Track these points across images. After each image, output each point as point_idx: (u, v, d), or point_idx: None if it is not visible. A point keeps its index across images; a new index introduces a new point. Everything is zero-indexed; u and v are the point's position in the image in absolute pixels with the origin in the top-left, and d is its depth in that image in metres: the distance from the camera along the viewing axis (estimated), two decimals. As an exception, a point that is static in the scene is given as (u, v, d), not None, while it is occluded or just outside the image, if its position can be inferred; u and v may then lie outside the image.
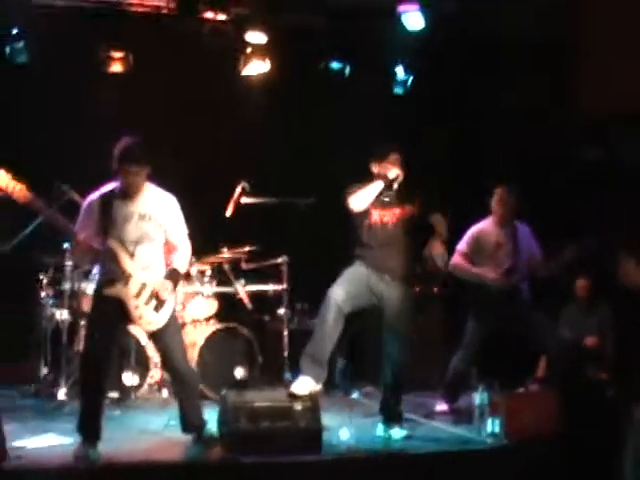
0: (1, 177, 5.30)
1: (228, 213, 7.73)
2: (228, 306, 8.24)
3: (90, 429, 5.50)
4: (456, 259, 7.09)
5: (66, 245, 7.52)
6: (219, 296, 8.14)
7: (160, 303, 5.69)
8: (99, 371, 5.62)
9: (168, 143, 8.19)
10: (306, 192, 7.81)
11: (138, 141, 5.65)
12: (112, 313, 5.62)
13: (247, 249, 8.05)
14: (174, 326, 5.85)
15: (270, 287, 8.26)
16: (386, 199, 6.33)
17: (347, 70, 9.17)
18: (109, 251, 5.58)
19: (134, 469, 5.26)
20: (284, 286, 8.01)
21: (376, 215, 6.30)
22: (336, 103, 9.01)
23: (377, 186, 6.25)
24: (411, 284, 6.53)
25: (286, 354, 7.82)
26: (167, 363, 5.91)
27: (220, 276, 8.11)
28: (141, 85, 8.62)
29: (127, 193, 5.67)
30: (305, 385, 5.94)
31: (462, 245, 7.11)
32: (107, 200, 5.64)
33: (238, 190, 7.73)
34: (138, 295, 5.63)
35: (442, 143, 9.39)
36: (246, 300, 8.04)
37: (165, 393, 7.64)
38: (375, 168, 6.40)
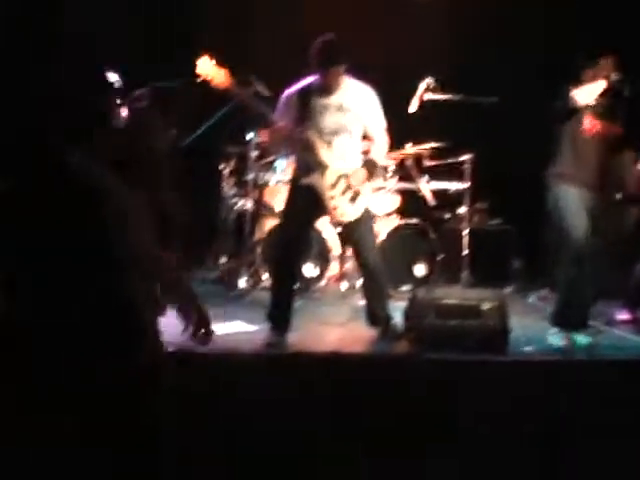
0: (204, 63, 5.37)
1: (412, 109, 7.63)
2: (410, 202, 8.19)
3: (281, 317, 5.60)
4: None
5: (250, 136, 7.60)
6: (401, 192, 8.09)
7: (355, 194, 5.68)
8: (292, 260, 5.71)
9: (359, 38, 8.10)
10: (491, 91, 7.64)
11: (335, 40, 5.58)
12: (307, 203, 5.66)
13: (431, 146, 7.96)
14: (368, 219, 5.85)
15: (452, 185, 8.17)
16: (599, 109, 5.95)
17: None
18: (306, 141, 5.59)
19: (322, 359, 5.32)
20: (466, 184, 7.92)
21: (588, 123, 5.93)
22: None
23: (600, 85, 5.81)
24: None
25: (465, 253, 7.77)
26: (358, 255, 5.92)
27: (403, 172, 8.06)
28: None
29: (325, 88, 5.64)
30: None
31: None
32: (305, 93, 5.65)
33: (423, 86, 7.61)
34: (334, 186, 5.63)
35: None
36: (429, 197, 7.97)
37: (344, 286, 7.70)
38: (588, 73, 5.96)
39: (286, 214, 5.88)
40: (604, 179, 6.00)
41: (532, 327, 6.35)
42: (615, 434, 4.88)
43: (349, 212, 5.70)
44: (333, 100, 5.66)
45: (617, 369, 5.50)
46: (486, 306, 5.69)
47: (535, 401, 5.00)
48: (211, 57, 5.42)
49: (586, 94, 5.80)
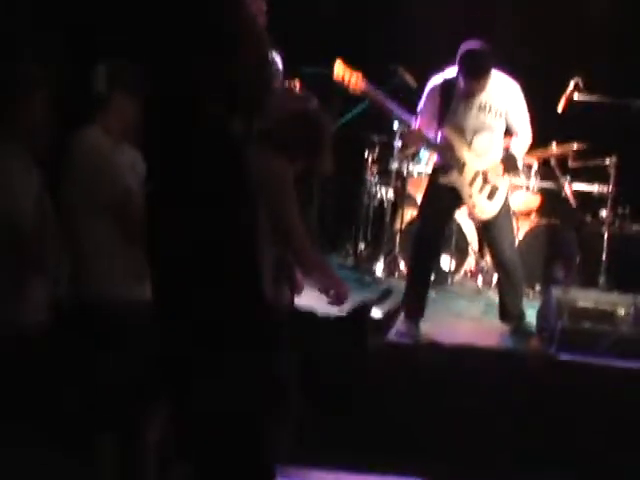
0: (338, 67, 5.48)
1: (559, 108, 7.58)
2: (550, 202, 8.15)
3: (415, 307, 5.71)
4: None
5: (396, 126, 7.70)
6: (542, 191, 8.05)
7: (493, 190, 5.74)
8: (429, 255, 5.81)
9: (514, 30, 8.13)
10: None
11: (482, 50, 5.58)
12: (445, 200, 5.75)
13: (576, 146, 7.90)
14: (506, 215, 5.91)
15: (595, 187, 8.09)
16: None
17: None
18: (444, 140, 5.67)
19: (455, 350, 5.41)
20: (610, 187, 7.83)
21: None
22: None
23: None
24: None
25: (604, 257, 7.70)
26: (494, 252, 5.98)
27: (546, 171, 8.02)
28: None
29: (469, 91, 5.68)
30: None
31: None
32: (448, 89, 5.70)
33: (571, 85, 7.55)
34: (472, 183, 5.71)
35: None
36: (571, 198, 7.92)
37: (480, 281, 7.74)
38: None
39: (423, 210, 5.99)
40: None
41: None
42: None
43: (488, 209, 5.77)
44: (476, 98, 5.71)
45: None
46: (621, 311, 5.68)
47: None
48: (344, 61, 5.52)
49: None
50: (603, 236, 7.70)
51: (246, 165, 2.74)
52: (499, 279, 6.10)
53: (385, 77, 7.04)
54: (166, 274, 2.74)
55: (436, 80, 5.76)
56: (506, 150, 5.92)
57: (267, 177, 3.50)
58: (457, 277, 7.67)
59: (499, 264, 5.98)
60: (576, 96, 7.49)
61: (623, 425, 4.93)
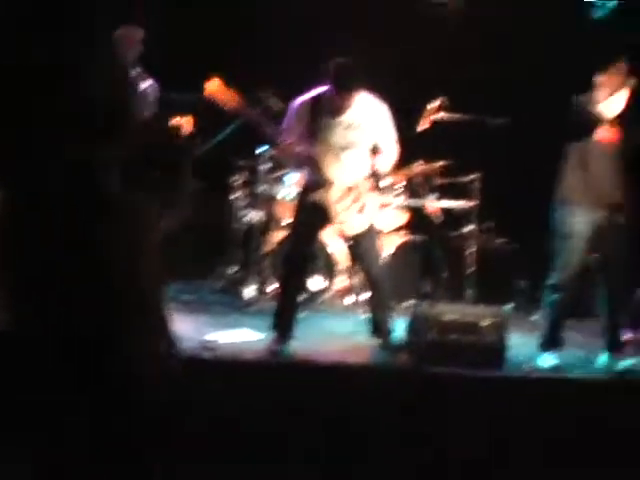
0: (213, 85, 5.49)
1: (423, 127, 7.76)
2: (417, 219, 8.30)
3: (285, 326, 5.73)
4: None
5: (260, 149, 7.75)
6: (409, 208, 8.19)
7: (362, 207, 5.82)
8: (299, 272, 5.85)
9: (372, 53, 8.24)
10: (501, 112, 7.79)
11: (351, 65, 5.70)
12: (315, 218, 5.80)
13: (440, 164, 8.08)
14: (373, 233, 5.99)
15: (460, 203, 8.28)
16: (619, 119, 5.86)
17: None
18: (313, 157, 5.72)
19: (325, 368, 5.45)
20: (474, 203, 8.02)
21: (607, 134, 5.85)
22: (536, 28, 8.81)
23: (623, 93, 5.74)
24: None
25: (470, 271, 7.88)
26: (364, 269, 6.06)
27: (412, 189, 8.17)
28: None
29: (337, 107, 5.76)
30: None
31: None
32: (316, 106, 5.77)
33: (434, 105, 7.74)
34: (341, 200, 5.77)
35: None
36: (437, 214, 8.08)
37: (349, 300, 7.82)
38: (601, 79, 5.86)
39: (294, 228, 6.02)
40: (620, 197, 5.94)
41: (533, 345, 6.46)
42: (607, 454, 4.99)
43: (356, 225, 5.85)
44: (344, 118, 5.78)
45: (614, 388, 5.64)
46: (485, 323, 5.82)
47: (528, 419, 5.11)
48: (219, 78, 5.54)
49: (610, 105, 5.77)
50: (468, 250, 7.90)
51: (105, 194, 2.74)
52: (370, 295, 6.16)
53: (253, 101, 7.09)
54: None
55: (303, 98, 5.82)
56: (373, 167, 6.01)
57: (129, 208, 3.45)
58: (326, 296, 7.72)
59: (369, 280, 6.07)
60: (440, 115, 7.70)
61: (490, 432, 5.03)
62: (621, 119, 5.87)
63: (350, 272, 7.80)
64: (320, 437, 4.80)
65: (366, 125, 5.84)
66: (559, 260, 5.97)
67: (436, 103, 7.72)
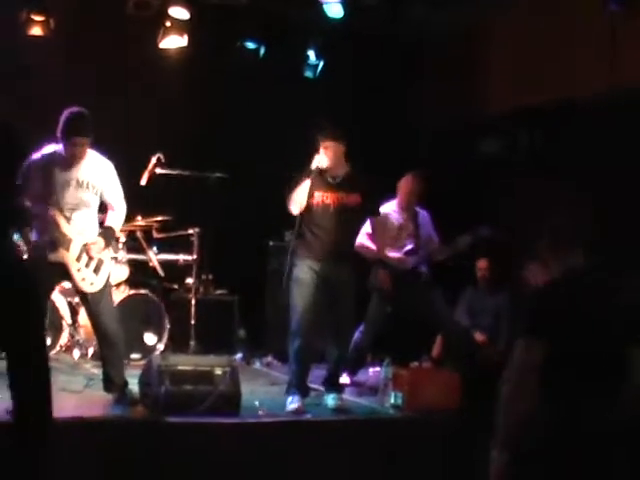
0: None
1: (142, 182, 7.89)
2: (139, 273, 8.42)
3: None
4: (361, 240, 7.40)
5: None
6: (131, 263, 8.30)
7: (99, 264, 5.90)
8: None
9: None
10: (219, 167, 8.12)
11: (83, 112, 5.80)
12: (51, 277, 5.80)
13: (160, 218, 8.24)
14: (108, 288, 6.08)
15: (180, 257, 8.48)
16: (330, 180, 6.41)
17: (262, 51, 9.40)
18: (51, 217, 5.75)
19: (63, 424, 5.39)
20: (194, 256, 8.23)
21: (318, 197, 6.39)
22: (250, 82, 9.24)
23: (306, 184, 6.29)
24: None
25: (193, 322, 8.06)
26: (98, 325, 6.08)
27: (132, 243, 8.27)
28: (61, 50, 8.65)
29: (68, 161, 5.84)
30: None
31: (367, 227, 7.45)
32: (48, 164, 5.81)
33: (153, 160, 7.90)
34: (79, 258, 5.83)
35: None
36: (158, 268, 8.22)
37: (76, 355, 7.80)
38: (320, 141, 6.37)
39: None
40: (342, 248, 6.45)
41: (261, 391, 6.77)
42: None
43: (96, 282, 5.92)
44: (74, 175, 5.86)
45: (341, 427, 6.04)
46: (218, 371, 6.01)
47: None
48: None
49: (296, 202, 6.28)
50: (190, 302, 8.09)
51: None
52: (102, 351, 6.16)
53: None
54: None
55: (35, 157, 5.80)
56: (102, 224, 6.10)
57: None
58: (53, 352, 7.64)
59: (103, 336, 6.08)
60: (158, 170, 7.88)
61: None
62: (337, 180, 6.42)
63: (74, 327, 7.80)
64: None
65: (95, 182, 5.94)
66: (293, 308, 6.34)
67: (156, 158, 7.87)
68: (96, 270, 5.92)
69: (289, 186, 6.30)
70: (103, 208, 6.19)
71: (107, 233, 6.08)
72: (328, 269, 6.38)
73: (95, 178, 5.94)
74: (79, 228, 5.88)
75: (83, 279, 5.87)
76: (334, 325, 6.60)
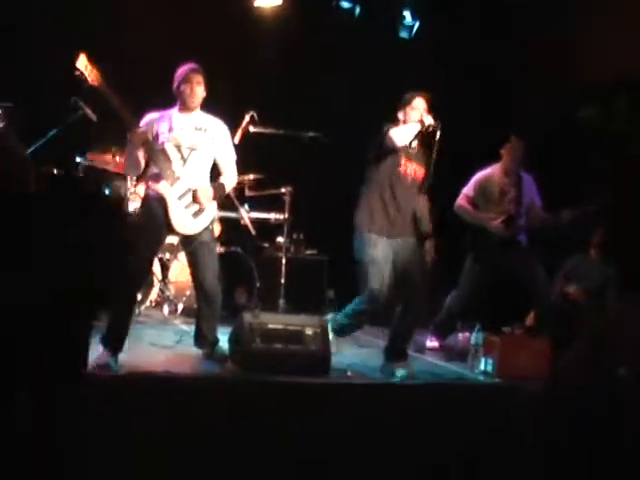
0: (81, 60, 5.55)
1: (235, 140, 7.86)
2: (230, 231, 8.45)
3: (116, 339, 5.67)
4: (461, 201, 7.33)
5: (79, 159, 7.68)
6: (222, 220, 8.33)
7: (199, 210, 5.93)
8: (133, 283, 5.87)
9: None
10: (313, 126, 8.05)
11: (199, 67, 6.01)
12: (157, 214, 5.90)
13: (252, 177, 8.25)
14: (209, 240, 6.11)
15: (272, 215, 8.49)
16: (411, 151, 6.25)
17: (357, 10, 9.32)
18: (163, 150, 5.84)
19: (153, 379, 5.45)
20: (285, 215, 8.23)
21: (403, 165, 6.23)
22: (345, 42, 9.16)
23: (415, 127, 6.08)
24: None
25: (282, 281, 8.07)
26: (196, 278, 6.12)
27: (224, 201, 8.27)
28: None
29: (187, 105, 5.96)
30: None
31: (468, 189, 7.36)
32: (166, 115, 5.97)
33: (247, 118, 7.87)
34: (181, 197, 5.88)
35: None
36: (249, 226, 8.23)
37: (166, 310, 7.87)
38: (401, 114, 6.28)
39: (139, 235, 5.96)
40: (415, 223, 6.27)
41: (349, 353, 6.74)
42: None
43: (189, 226, 5.93)
44: (192, 119, 5.98)
45: (430, 392, 5.97)
46: (309, 331, 6.00)
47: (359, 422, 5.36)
48: (87, 56, 5.59)
49: (401, 135, 6.05)
50: (280, 261, 8.09)
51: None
52: (198, 304, 6.20)
53: (65, 110, 7.05)
54: None
55: (152, 113, 5.99)
56: (217, 178, 6.13)
57: None
58: (143, 307, 7.74)
59: (200, 290, 6.12)
60: (251, 128, 7.85)
61: (322, 435, 5.25)
62: (414, 152, 6.24)
63: (165, 283, 7.86)
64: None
65: (212, 133, 6.05)
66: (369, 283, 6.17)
67: (248, 116, 7.85)
68: (195, 215, 5.93)
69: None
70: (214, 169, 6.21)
71: (219, 186, 6.13)
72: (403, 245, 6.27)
73: (212, 129, 6.07)
74: (191, 171, 5.93)
75: (177, 217, 5.87)
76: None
